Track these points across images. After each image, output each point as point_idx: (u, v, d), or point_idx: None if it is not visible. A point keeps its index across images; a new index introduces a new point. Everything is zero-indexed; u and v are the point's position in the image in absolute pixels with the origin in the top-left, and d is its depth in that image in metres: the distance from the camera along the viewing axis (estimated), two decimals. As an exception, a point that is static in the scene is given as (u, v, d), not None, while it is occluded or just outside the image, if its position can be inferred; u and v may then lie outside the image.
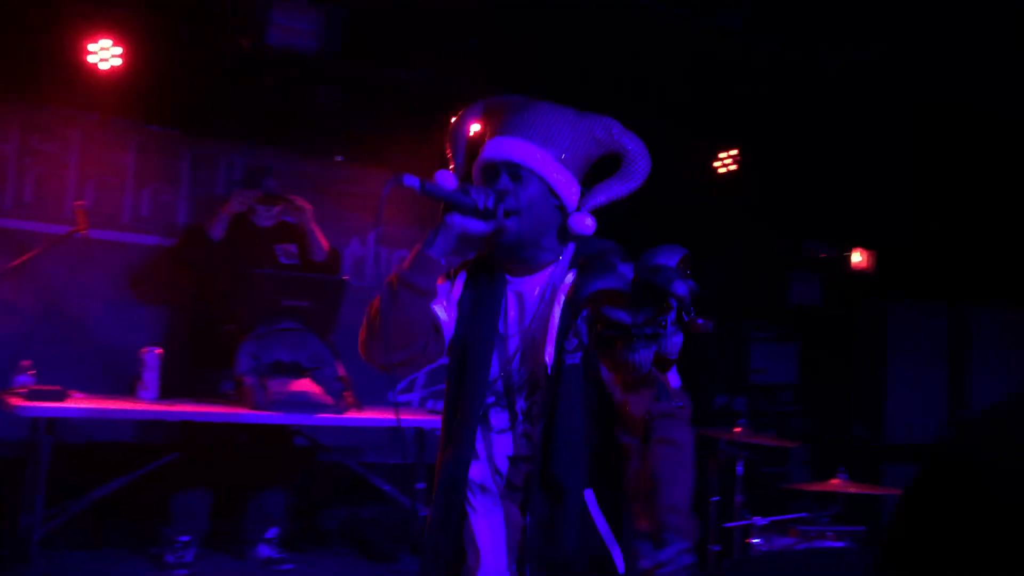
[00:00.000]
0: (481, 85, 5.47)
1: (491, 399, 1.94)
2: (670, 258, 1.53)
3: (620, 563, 1.81)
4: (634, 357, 1.47)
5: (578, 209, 1.94)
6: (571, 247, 1.97)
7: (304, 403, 4.23)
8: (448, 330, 1.98)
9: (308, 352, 4.40)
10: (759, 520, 3.76)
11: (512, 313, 1.96)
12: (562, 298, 1.87)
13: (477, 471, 1.93)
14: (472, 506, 1.93)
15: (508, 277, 1.98)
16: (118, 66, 4.77)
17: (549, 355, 1.87)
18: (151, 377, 4.28)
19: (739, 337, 6.77)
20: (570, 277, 1.89)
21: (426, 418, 5.12)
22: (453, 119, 2.07)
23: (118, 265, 5.21)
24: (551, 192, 1.92)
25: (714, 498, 4.56)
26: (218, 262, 4.78)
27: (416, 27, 4.81)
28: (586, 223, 1.93)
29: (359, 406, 4.51)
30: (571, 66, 5.09)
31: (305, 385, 4.28)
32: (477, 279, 1.99)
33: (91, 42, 4.69)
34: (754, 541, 3.77)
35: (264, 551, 4.68)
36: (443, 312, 1.98)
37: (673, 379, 1.79)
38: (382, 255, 6.03)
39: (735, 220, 6.30)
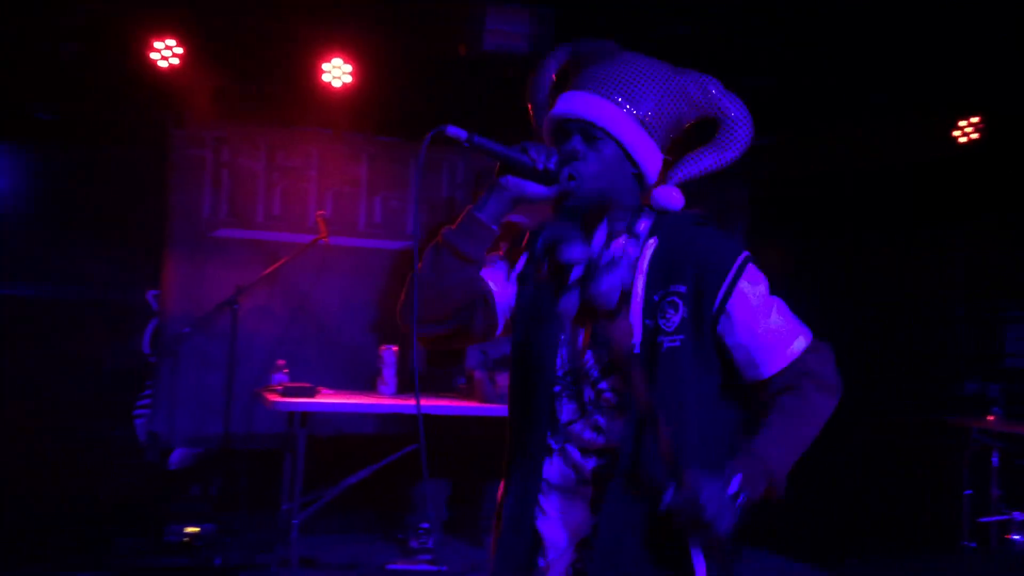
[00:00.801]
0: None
1: (557, 388, 1.72)
2: None
3: (701, 570, 1.59)
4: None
5: (664, 180, 1.73)
6: (649, 217, 1.73)
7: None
8: (502, 304, 1.77)
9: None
10: (1018, 515, 3.46)
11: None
12: (644, 268, 1.66)
13: (549, 469, 1.73)
14: (543, 510, 1.74)
15: None
16: (349, 83, 5.11)
17: (636, 334, 1.63)
18: (389, 373, 4.55)
19: (991, 317, 6.24)
20: (651, 245, 1.68)
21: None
22: (535, 68, 1.85)
23: (355, 269, 5.57)
24: (628, 157, 1.70)
25: (967, 492, 4.24)
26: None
27: (625, 18, 4.80)
28: (673, 196, 1.72)
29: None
30: (795, 48, 4.90)
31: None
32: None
33: (324, 62, 5.04)
34: (1014, 538, 3.48)
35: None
36: (495, 284, 1.77)
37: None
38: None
39: (981, 190, 5.83)
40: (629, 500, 1.60)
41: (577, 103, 1.70)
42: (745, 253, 1.65)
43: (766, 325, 1.64)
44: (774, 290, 1.70)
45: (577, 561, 1.69)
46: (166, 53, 4.84)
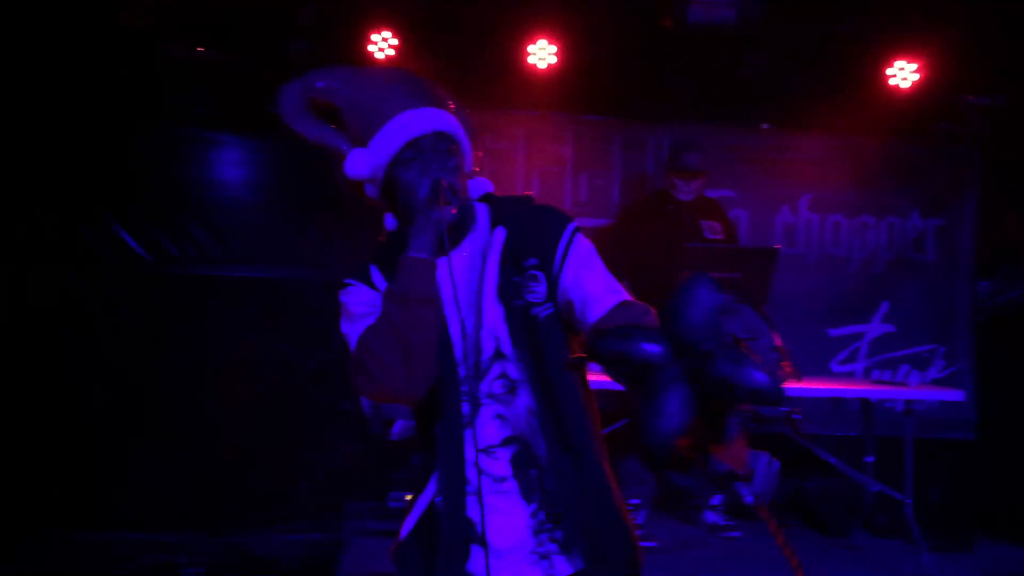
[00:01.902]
0: (914, 25, 5.06)
1: (464, 388, 1.74)
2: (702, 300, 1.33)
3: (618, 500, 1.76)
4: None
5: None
6: (484, 207, 1.86)
7: (742, 373, 4.25)
8: None
9: (742, 323, 4.41)
10: None
11: (450, 292, 1.70)
12: (496, 256, 1.75)
13: (471, 471, 1.73)
14: (480, 518, 1.72)
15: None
16: (554, 64, 5.17)
17: (499, 316, 1.72)
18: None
19: None
20: (499, 234, 1.78)
21: (871, 388, 4.87)
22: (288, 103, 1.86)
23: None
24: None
25: None
26: (645, 237, 4.98)
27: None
28: (485, 183, 1.88)
29: (798, 376, 4.44)
30: None
31: (741, 356, 4.30)
32: (393, 264, 1.69)
33: (530, 44, 5.14)
34: None
35: (711, 517, 4.81)
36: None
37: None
38: (813, 222, 5.83)
39: None
40: (560, 474, 1.69)
41: (427, 118, 1.74)
42: (575, 222, 1.82)
43: (596, 278, 1.73)
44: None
45: (538, 546, 1.73)
46: (382, 45, 5.10)
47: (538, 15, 5.09)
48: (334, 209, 5.54)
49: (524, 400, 1.72)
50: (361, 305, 1.73)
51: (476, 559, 1.73)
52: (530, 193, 1.91)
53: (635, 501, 4.73)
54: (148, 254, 5.40)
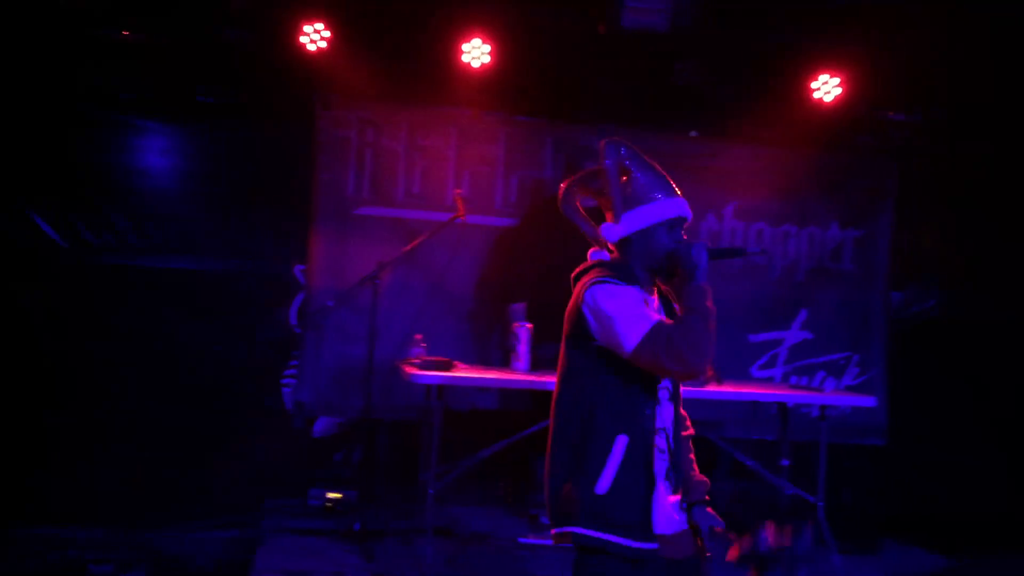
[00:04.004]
0: (839, 41, 5.20)
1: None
2: None
3: None
4: None
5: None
6: None
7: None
8: None
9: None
10: None
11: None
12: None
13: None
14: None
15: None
16: (487, 63, 5.18)
17: None
18: (523, 350, 4.60)
19: None
20: None
21: (788, 393, 4.99)
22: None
23: (489, 247, 5.65)
24: None
25: None
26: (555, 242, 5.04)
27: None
28: None
29: (719, 380, 4.52)
30: (948, 15, 4.66)
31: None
32: (630, 278, 2.44)
33: (464, 42, 5.13)
34: None
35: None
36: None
37: None
38: (738, 229, 5.95)
39: None
40: (679, 456, 2.55)
41: (688, 207, 2.56)
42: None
43: None
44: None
45: (680, 501, 2.52)
46: (315, 36, 5.03)
47: (473, 13, 5.08)
48: (260, 200, 5.47)
49: (671, 405, 2.51)
50: (641, 303, 2.35)
51: (661, 500, 2.42)
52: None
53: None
54: (64, 241, 5.24)
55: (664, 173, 2.58)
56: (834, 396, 5.34)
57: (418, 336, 4.81)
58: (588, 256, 2.54)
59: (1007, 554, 4.91)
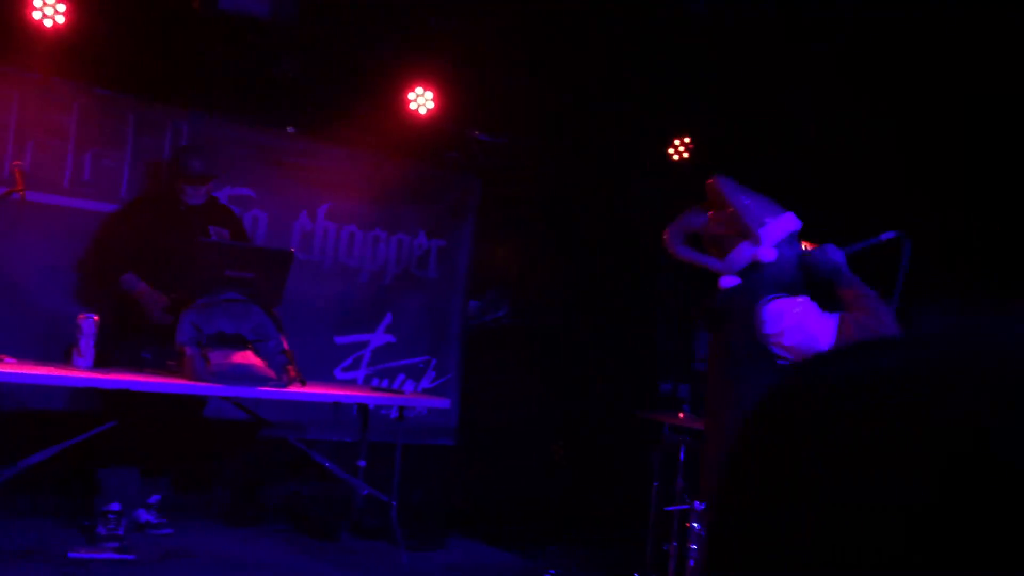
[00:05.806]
0: (435, 56, 5.43)
1: None
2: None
3: None
4: None
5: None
6: None
7: (246, 376, 4.16)
8: None
9: (251, 324, 4.32)
10: (699, 505, 3.79)
11: None
12: None
13: None
14: None
15: None
16: (62, 24, 4.62)
17: None
18: (87, 344, 4.16)
19: (685, 326, 6.83)
20: None
21: (369, 395, 5.08)
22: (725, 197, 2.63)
23: (58, 230, 5.06)
24: None
25: (655, 483, 4.60)
26: (152, 237, 4.72)
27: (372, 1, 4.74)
28: None
29: (302, 381, 4.45)
30: (538, 48, 5.06)
31: (247, 357, 4.21)
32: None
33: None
34: (693, 525, 3.81)
35: (143, 515, 4.70)
36: None
37: None
38: (330, 231, 5.94)
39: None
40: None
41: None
42: None
43: None
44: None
45: None
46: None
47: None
48: None
49: None
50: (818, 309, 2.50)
51: None
52: None
53: (115, 508, 4.37)
54: None
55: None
56: (412, 398, 5.54)
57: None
58: (719, 285, 2.63)
59: (563, 546, 5.43)
